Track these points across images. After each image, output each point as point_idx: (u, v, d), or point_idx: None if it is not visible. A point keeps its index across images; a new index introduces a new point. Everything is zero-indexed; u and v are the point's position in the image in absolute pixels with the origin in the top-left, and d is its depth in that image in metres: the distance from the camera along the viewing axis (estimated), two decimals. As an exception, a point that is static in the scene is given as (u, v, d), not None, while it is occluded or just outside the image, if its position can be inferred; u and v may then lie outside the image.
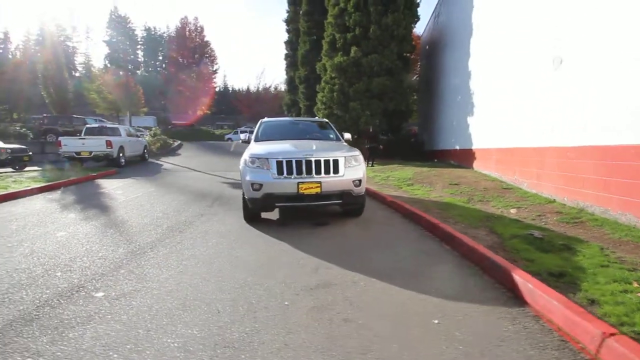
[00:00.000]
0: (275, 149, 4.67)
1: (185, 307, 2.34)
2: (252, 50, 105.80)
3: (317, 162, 4.35)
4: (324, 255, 3.39)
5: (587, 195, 4.41)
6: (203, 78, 37.76)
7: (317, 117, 7.29)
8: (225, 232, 4.37)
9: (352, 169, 4.54)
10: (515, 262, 2.90)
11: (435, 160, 12.31)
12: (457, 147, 10.38)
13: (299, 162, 4.31)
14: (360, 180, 4.56)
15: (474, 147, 8.96)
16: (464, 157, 9.65)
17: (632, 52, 3.72)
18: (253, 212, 4.72)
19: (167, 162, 14.97)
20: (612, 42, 4.09)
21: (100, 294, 2.56)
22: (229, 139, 32.47)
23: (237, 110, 45.98)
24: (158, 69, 55.50)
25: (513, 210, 4.94)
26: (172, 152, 19.16)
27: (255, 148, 4.81)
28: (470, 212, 4.96)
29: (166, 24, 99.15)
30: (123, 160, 12.81)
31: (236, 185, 8.83)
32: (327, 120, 6.47)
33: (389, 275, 2.86)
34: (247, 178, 4.41)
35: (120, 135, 13.23)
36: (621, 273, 2.61)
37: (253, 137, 5.69)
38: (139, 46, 52.63)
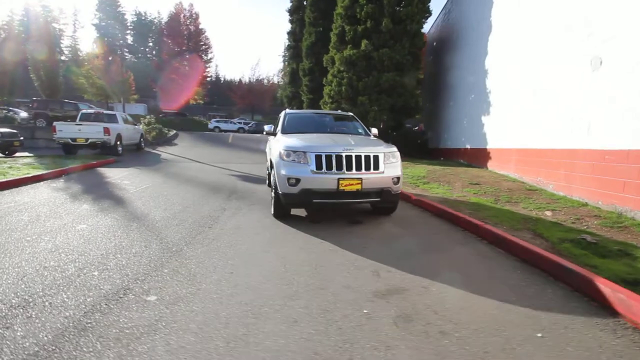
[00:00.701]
0: (312, 141, 4.42)
1: (256, 314, 2.12)
2: (248, 40, 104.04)
3: (358, 158, 4.14)
4: (376, 256, 3.20)
5: (626, 199, 4.35)
6: (196, 66, 36.78)
7: (339, 111, 7.04)
8: (259, 228, 4.13)
9: (391, 165, 4.36)
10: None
11: (442, 159, 12.25)
12: (468, 146, 10.32)
13: (339, 157, 4.09)
14: (399, 178, 4.38)
15: (488, 147, 8.88)
16: (476, 157, 9.58)
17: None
18: (285, 209, 4.49)
19: (164, 152, 14.47)
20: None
21: (152, 298, 2.30)
22: (217, 127, 31.68)
23: (231, 101, 45.14)
24: (148, 55, 53.95)
25: (548, 213, 4.85)
26: (168, 141, 18.57)
27: (288, 140, 4.55)
28: (503, 214, 4.85)
29: (157, 10, 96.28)
30: (120, 149, 12.28)
31: (247, 178, 8.55)
32: (352, 114, 6.25)
33: (457, 281, 2.70)
34: (283, 172, 4.16)
35: (117, 122, 12.67)
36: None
37: (279, 128, 5.43)
38: (128, 31, 51.01)
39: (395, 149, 4.53)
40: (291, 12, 20.49)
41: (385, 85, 12.26)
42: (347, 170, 4.10)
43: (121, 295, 2.32)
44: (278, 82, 53.57)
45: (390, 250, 3.42)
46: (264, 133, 5.84)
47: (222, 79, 56.62)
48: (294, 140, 4.50)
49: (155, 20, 55.47)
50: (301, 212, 4.92)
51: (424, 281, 2.68)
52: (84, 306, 2.17)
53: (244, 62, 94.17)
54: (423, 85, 15.28)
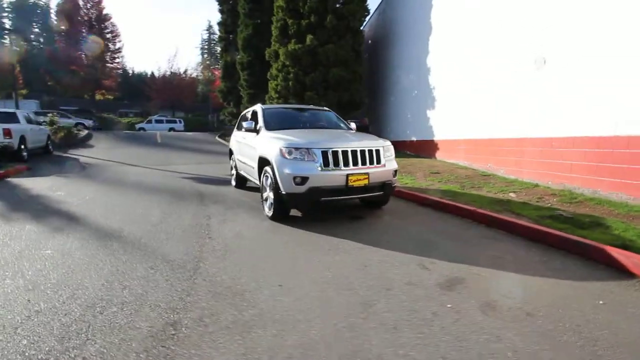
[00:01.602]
0: (312, 137, 4.23)
1: (351, 329, 1.94)
2: (163, 29, 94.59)
3: (363, 152, 4.10)
4: (407, 249, 3.22)
5: (574, 179, 5.18)
6: (102, 56, 32.09)
7: (311, 105, 6.79)
8: (264, 233, 3.81)
9: (389, 159, 4.43)
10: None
11: (387, 151, 12.94)
12: (414, 138, 11.10)
13: (345, 153, 3.99)
14: (396, 171, 4.48)
15: (436, 139, 9.68)
16: (423, 148, 10.37)
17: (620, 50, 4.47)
18: (285, 210, 4.22)
19: (82, 156, 12.36)
20: (595, 41, 4.84)
21: (215, 327, 1.93)
22: (141, 128, 28.58)
23: (145, 96, 40.60)
24: (34, 42, 45.21)
25: (512, 194, 5.50)
26: (80, 143, 15.89)
27: (284, 137, 4.27)
28: (476, 198, 5.33)
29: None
30: (25, 154, 10.08)
31: (205, 180, 7.84)
32: (329, 109, 6.15)
33: (496, 264, 2.87)
34: (287, 171, 3.89)
35: (19, 121, 10.35)
36: (667, 242, 3.12)
37: (261, 124, 5.05)
38: (5, 14, 42.15)
39: (389, 142, 4.60)
40: (220, 1, 19.18)
41: (332, 81, 12.40)
42: (354, 165, 4.03)
43: (172, 333, 1.90)
44: (197, 76, 50.07)
45: (415, 242, 3.47)
46: (243, 130, 5.38)
47: (131, 72, 50.48)
48: (292, 137, 4.24)
49: (42, 3, 46.80)
50: (293, 211, 4.68)
51: (470, 268, 2.78)
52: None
53: (159, 53, 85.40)
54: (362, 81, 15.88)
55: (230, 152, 7.20)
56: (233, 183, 7.01)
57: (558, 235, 3.27)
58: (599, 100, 4.79)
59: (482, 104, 7.36)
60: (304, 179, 3.86)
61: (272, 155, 4.11)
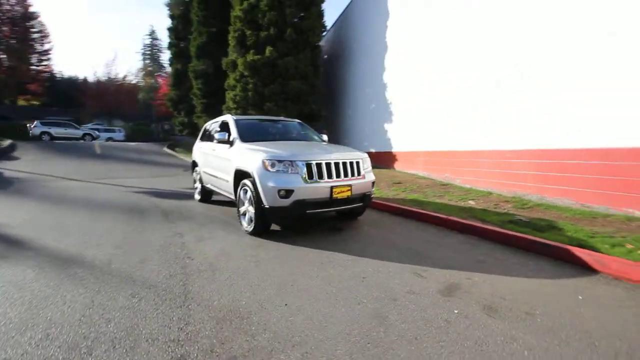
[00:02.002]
0: (293, 149, 4.16)
1: (376, 345, 1.91)
2: (100, 32, 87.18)
3: (345, 165, 4.16)
4: (397, 258, 3.30)
5: (525, 187, 5.78)
6: (26, 58, 28.59)
7: (281, 117, 6.63)
8: (248, 249, 3.62)
9: (367, 170, 4.53)
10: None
11: (347, 162, 13.25)
12: (373, 150, 11.52)
13: (328, 165, 4.01)
14: (374, 182, 4.59)
15: (394, 150, 10.16)
16: (381, 159, 10.80)
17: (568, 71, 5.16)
18: (266, 224, 4.08)
19: (6, 169, 10.79)
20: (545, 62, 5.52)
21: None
22: (88, 135, 25.67)
23: (79, 102, 36.89)
24: None
25: (472, 202, 5.96)
26: (3, 154, 13.82)
27: (265, 149, 4.15)
28: (442, 206, 5.68)
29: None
30: None
31: (163, 194, 7.29)
32: (300, 121, 6.13)
33: (483, 268, 3.06)
34: (270, 184, 3.79)
35: None
36: (611, 241, 3.61)
37: (234, 136, 4.86)
38: None
39: (366, 154, 4.72)
40: (170, 6, 18.27)
41: (292, 93, 12.46)
42: (337, 177, 4.05)
43: (183, 366, 1.71)
44: (137, 82, 46.99)
45: (401, 252, 3.56)
46: (215, 141, 5.12)
47: (60, 76, 45.55)
48: (273, 149, 4.14)
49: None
50: (272, 226, 4.55)
51: (461, 273, 2.93)
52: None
53: (96, 57, 78.12)
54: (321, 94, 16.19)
55: (194, 165, 6.81)
56: (197, 197, 6.62)
57: (528, 238, 3.61)
58: (550, 112, 5.45)
59: (440, 118, 7.92)
60: (289, 192, 3.78)
61: (253, 168, 3.97)
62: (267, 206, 3.84)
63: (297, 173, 3.86)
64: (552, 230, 4.12)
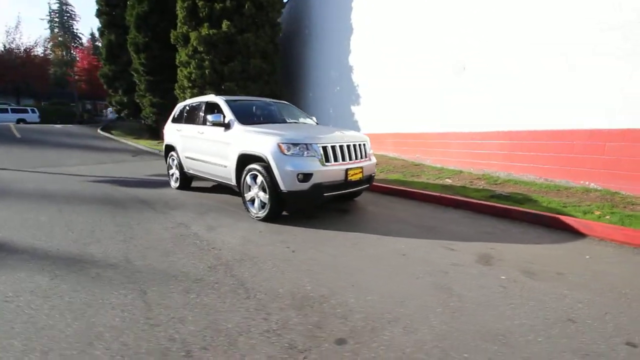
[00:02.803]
0: (302, 132, 4.09)
1: (455, 314, 2.08)
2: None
3: (355, 147, 4.23)
4: (420, 234, 3.53)
5: (491, 165, 6.45)
6: None
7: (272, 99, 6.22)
8: (274, 235, 3.53)
9: (370, 152, 4.65)
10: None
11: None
12: (338, 132, 11.67)
13: (342, 147, 4.03)
14: (376, 164, 4.74)
15: (362, 132, 10.42)
16: (348, 141, 11.03)
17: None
18: (280, 209, 4.00)
19: None
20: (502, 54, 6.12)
21: None
22: None
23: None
24: None
25: (449, 180, 6.49)
26: None
27: (273, 132, 4.01)
28: (424, 185, 6.11)
29: None
30: None
31: (129, 183, 6.65)
32: (288, 103, 5.95)
33: (498, 238, 3.43)
34: (289, 168, 3.70)
35: None
36: (581, 209, 4.28)
37: (231, 118, 4.56)
38: None
39: (367, 137, 4.82)
40: (98, -33, 15.70)
41: (253, 72, 11.91)
42: (349, 160, 4.10)
43: None
44: (46, 54, 40.40)
45: (417, 228, 3.80)
46: (208, 124, 4.73)
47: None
48: (284, 132, 4.02)
49: None
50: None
51: (483, 245, 3.25)
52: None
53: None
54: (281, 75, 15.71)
55: (168, 149, 6.24)
56: (174, 184, 6.13)
57: (521, 210, 4.11)
58: (513, 99, 6.08)
59: (410, 102, 8.32)
60: (307, 176, 3.74)
61: (267, 152, 3.82)
62: (285, 190, 3.76)
63: (314, 156, 3.82)
64: (529, 202, 4.72)
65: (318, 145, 3.86)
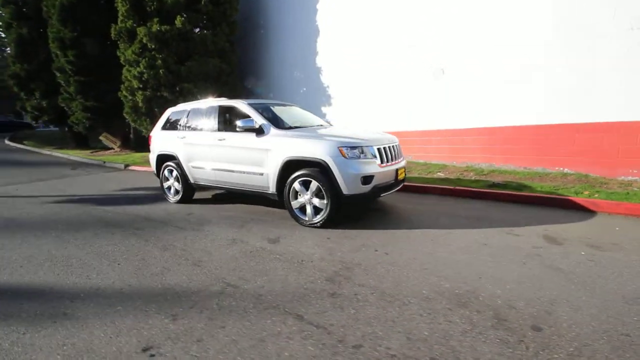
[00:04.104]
0: (355, 135, 4.10)
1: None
2: None
3: (396, 147, 4.39)
4: (479, 225, 3.85)
5: (473, 157, 7.23)
6: None
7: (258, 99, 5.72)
8: (348, 241, 3.48)
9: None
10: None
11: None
12: (307, 133, 11.67)
13: (388, 149, 4.15)
14: (404, 162, 4.97)
15: (335, 133, 10.61)
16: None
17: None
18: (337, 214, 3.94)
19: None
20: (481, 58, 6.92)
21: None
22: None
23: None
24: None
25: (440, 174, 7.08)
26: None
27: (330, 135, 3.97)
28: (422, 180, 6.59)
29: None
30: None
31: (104, 201, 5.81)
32: (299, 106, 5.79)
33: (538, 221, 3.92)
34: (352, 171, 3.70)
35: None
36: (572, 190, 5.11)
37: (263, 123, 4.30)
38: None
39: (394, 137, 5.01)
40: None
41: (213, 73, 11.19)
42: (394, 160, 4.25)
43: None
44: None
45: (467, 219, 4.12)
46: (239, 129, 4.35)
47: None
48: (338, 135, 3.99)
49: None
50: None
51: (535, 228, 3.71)
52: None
53: None
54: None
55: (163, 159, 5.57)
56: (173, 198, 5.51)
57: (538, 196, 4.76)
58: (491, 99, 6.90)
59: (391, 103, 8.77)
60: (369, 178, 3.78)
61: (327, 156, 3.73)
62: (349, 194, 3.73)
63: (371, 158, 3.87)
64: (525, 188, 5.46)
65: (374, 147, 3.92)
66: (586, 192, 4.91)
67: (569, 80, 5.85)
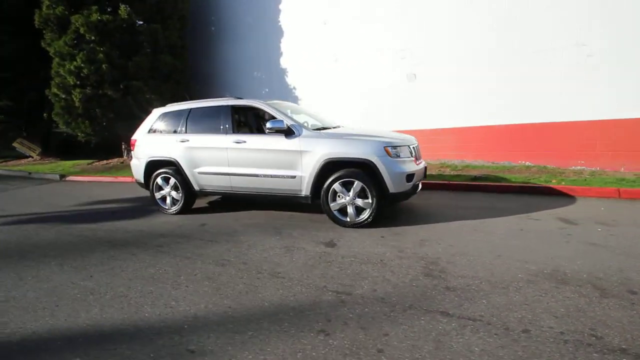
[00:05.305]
0: (388, 135, 4.20)
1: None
2: None
3: (418, 147, 4.61)
4: (498, 213, 4.29)
5: (445, 155, 7.95)
6: None
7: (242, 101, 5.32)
8: (413, 236, 3.59)
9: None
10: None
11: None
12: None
13: (416, 148, 4.36)
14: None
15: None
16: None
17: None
18: (381, 212, 4.00)
19: None
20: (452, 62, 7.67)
21: None
22: None
23: None
24: None
25: (421, 171, 7.61)
26: None
27: (368, 136, 4.01)
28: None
29: None
30: None
31: (72, 218, 4.94)
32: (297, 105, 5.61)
33: (538, 207, 4.53)
34: (398, 170, 3.82)
35: None
36: (542, 180, 6.01)
37: (292, 124, 4.12)
38: None
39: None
40: None
41: (165, 70, 10.17)
42: (421, 159, 4.47)
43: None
44: None
45: (487, 210, 4.53)
46: (268, 131, 4.06)
47: None
48: (378, 136, 4.04)
49: None
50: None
51: (542, 213, 4.27)
52: None
53: None
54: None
55: (157, 165, 4.91)
56: (171, 209, 4.93)
57: (527, 185, 5.48)
58: (461, 103, 7.67)
59: (365, 104, 9.06)
60: (411, 176, 3.93)
61: (374, 156, 3.76)
62: (395, 192, 3.82)
63: (409, 157, 4.03)
64: (503, 179, 6.23)
65: (410, 146, 4.08)
66: (554, 181, 5.83)
67: (529, 87, 6.86)
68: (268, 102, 4.54)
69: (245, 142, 4.33)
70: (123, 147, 11.18)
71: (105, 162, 10.73)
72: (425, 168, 4.41)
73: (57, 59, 9.01)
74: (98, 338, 1.99)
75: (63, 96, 9.14)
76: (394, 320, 2.07)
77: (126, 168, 9.94)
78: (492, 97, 7.25)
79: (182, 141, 4.71)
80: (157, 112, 5.15)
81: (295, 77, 10.53)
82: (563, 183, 5.60)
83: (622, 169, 6.09)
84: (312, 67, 10.07)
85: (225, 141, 4.44)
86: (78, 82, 8.98)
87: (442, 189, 6.07)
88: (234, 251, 3.37)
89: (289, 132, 4.14)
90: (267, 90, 11.24)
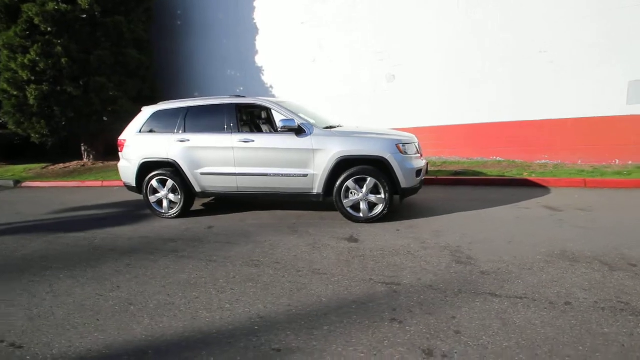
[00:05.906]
0: (395, 133, 4.36)
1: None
2: None
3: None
4: (492, 204, 4.68)
5: (425, 152, 8.37)
6: None
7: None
8: (427, 227, 3.79)
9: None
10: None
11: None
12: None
13: (419, 145, 4.59)
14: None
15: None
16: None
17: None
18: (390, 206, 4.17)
19: None
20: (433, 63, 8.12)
21: None
22: None
23: None
24: None
25: (403, 167, 7.97)
26: None
27: (379, 134, 4.17)
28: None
29: None
30: None
31: (65, 226, 4.55)
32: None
33: (524, 197, 5.02)
34: (410, 167, 4.04)
35: None
36: (514, 173, 6.62)
37: (302, 122, 4.14)
38: None
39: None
40: None
41: (132, 65, 9.50)
42: (422, 155, 4.72)
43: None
44: None
45: (482, 202, 4.89)
46: (279, 129, 4.01)
47: None
48: (388, 134, 4.20)
49: None
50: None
51: (531, 201, 4.74)
52: None
53: None
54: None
55: (151, 167, 4.62)
56: (169, 212, 4.69)
57: (505, 178, 5.99)
58: (437, 103, 8.15)
59: (345, 104, 9.22)
60: (420, 172, 4.16)
61: (387, 153, 3.92)
62: (407, 187, 4.01)
63: (416, 154, 4.25)
64: (481, 174, 6.78)
65: (415, 143, 4.30)
66: (525, 173, 6.45)
67: (499, 89, 7.49)
68: (274, 100, 4.51)
69: (253, 141, 4.26)
70: (83, 148, 10.24)
71: (62, 165, 9.75)
72: (427, 164, 4.67)
73: (5, 52, 8.01)
74: (170, 348, 1.89)
75: (14, 93, 8.14)
76: (452, 304, 2.22)
77: (89, 172, 9.14)
78: (466, 98, 7.81)
79: (181, 141, 4.49)
80: (148, 110, 4.85)
81: (271, 76, 10.41)
82: (533, 175, 6.23)
83: (580, 161, 6.92)
84: (289, 66, 10.03)
85: (231, 140, 4.32)
86: (33, 78, 8.06)
87: (431, 184, 6.43)
88: (258, 252, 3.32)
89: (299, 131, 4.15)
90: (242, 88, 10.96)
